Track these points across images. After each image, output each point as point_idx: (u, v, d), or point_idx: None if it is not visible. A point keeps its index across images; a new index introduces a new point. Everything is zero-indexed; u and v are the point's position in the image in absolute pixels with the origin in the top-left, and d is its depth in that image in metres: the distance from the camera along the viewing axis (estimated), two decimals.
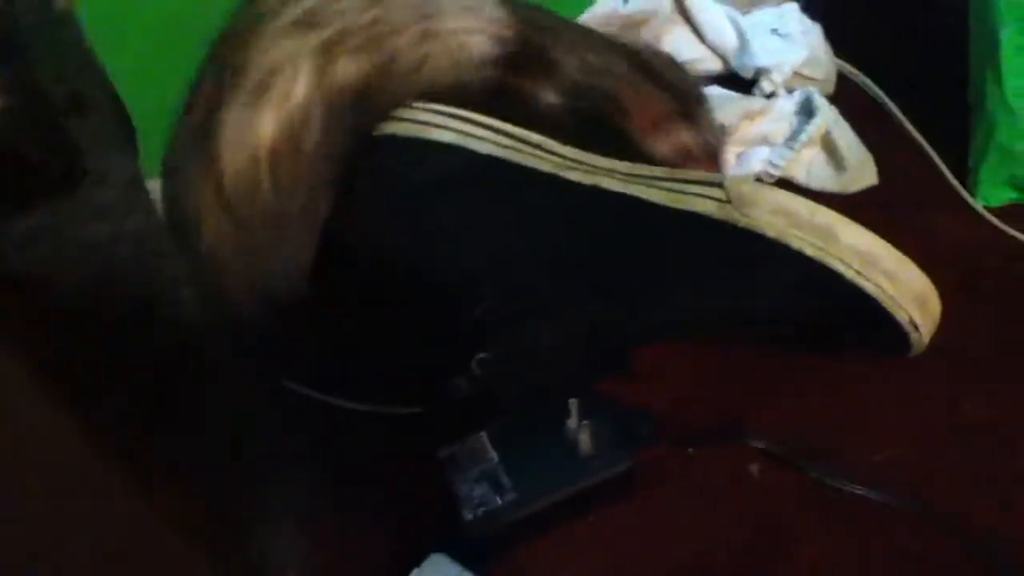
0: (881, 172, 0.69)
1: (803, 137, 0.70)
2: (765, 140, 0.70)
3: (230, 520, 0.52)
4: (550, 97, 0.61)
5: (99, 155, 0.45)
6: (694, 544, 0.53)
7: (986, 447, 0.56)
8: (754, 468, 0.56)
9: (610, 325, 0.56)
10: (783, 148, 0.70)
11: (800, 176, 0.70)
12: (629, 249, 0.55)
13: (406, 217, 0.57)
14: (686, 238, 0.55)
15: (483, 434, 0.54)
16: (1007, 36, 0.60)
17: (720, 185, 0.54)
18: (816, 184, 0.69)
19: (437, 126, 0.57)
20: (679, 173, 0.56)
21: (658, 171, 0.56)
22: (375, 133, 0.57)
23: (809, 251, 0.53)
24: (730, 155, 0.70)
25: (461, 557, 0.53)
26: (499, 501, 0.52)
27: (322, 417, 0.59)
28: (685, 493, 0.56)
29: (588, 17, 0.79)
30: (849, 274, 0.52)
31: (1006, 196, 0.66)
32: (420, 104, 0.57)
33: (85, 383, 0.44)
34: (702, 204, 0.54)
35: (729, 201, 0.54)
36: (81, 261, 0.43)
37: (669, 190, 0.55)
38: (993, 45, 0.61)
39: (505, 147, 0.56)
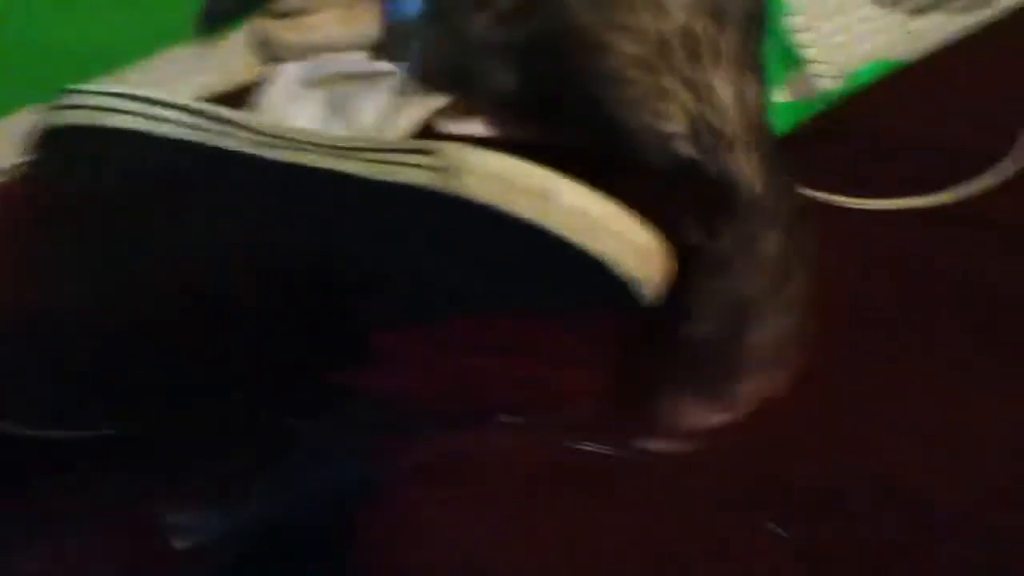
0: None
1: None
2: None
3: None
4: None
5: None
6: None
7: None
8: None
9: (333, 313, 0.53)
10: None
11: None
12: (343, 231, 0.51)
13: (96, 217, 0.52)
14: (400, 212, 0.51)
15: None
16: None
17: (433, 152, 0.51)
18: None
19: (115, 111, 0.51)
20: (387, 142, 0.53)
21: (362, 141, 0.52)
22: (45, 125, 0.51)
23: (526, 215, 0.50)
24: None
25: None
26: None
27: None
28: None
29: None
30: (568, 235, 0.50)
31: None
32: (91, 86, 0.51)
33: None
34: (415, 174, 0.51)
35: (442, 169, 0.50)
36: None
37: (374, 161, 0.51)
38: None
39: (195, 128, 0.51)
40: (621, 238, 0.51)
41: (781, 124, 0.64)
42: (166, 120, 0.51)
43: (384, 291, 0.53)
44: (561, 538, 0.52)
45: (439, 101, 0.64)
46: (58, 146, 0.53)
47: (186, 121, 0.51)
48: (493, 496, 0.53)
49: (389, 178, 0.50)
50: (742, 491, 0.53)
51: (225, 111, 0.52)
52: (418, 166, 0.51)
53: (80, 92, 0.52)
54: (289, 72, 0.66)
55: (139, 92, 0.51)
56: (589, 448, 0.54)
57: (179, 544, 0.48)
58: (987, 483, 0.53)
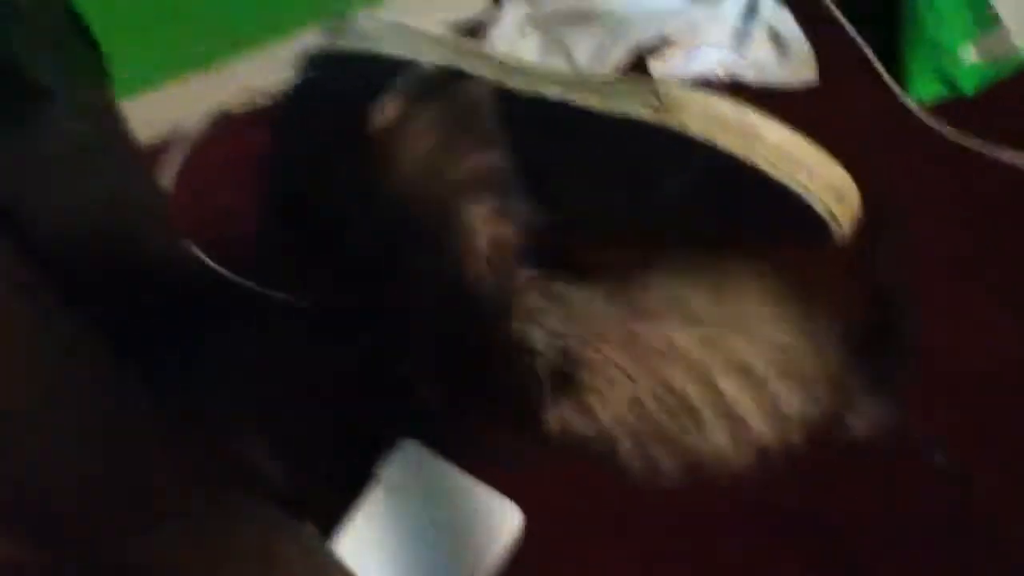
0: (820, 70, 0.72)
1: (750, 39, 0.73)
2: (713, 43, 0.72)
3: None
4: None
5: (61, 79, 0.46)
6: None
7: None
8: None
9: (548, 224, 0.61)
10: (730, 51, 0.73)
11: (748, 74, 0.73)
12: (569, 153, 0.59)
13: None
14: (622, 141, 0.58)
15: None
16: None
17: (654, 91, 0.58)
18: (762, 78, 0.72)
19: (390, 39, 0.60)
20: (613, 78, 0.60)
21: (596, 77, 0.60)
22: (325, 47, 0.60)
23: (735, 150, 0.57)
24: (679, 57, 0.73)
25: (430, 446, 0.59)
26: None
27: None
28: None
29: None
30: (773, 171, 0.56)
31: (935, 89, 0.69)
32: (368, 16, 0.60)
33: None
34: (636, 109, 0.58)
35: (662, 105, 0.57)
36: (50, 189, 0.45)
37: (606, 94, 0.58)
38: None
39: (453, 57, 0.60)
40: (819, 176, 0.57)
41: (970, 85, 0.68)
42: (430, 50, 0.60)
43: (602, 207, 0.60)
44: None
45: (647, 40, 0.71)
46: (332, 67, 0.62)
47: (445, 53, 0.60)
48: None
49: (616, 110, 0.58)
50: None
51: (475, 44, 0.60)
52: (644, 103, 0.58)
53: (359, 21, 0.61)
54: (516, 10, 0.74)
55: (409, 26, 0.60)
56: None
57: None
58: None
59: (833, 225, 0.58)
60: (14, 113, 0.42)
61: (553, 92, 0.59)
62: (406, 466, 0.59)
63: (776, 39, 0.73)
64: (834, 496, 0.58)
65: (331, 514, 0.58)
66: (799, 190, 0.56)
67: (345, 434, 0.62)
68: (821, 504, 0.57)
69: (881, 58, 0.72)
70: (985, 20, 0.67)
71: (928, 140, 0.68)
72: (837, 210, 0.58)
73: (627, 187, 0.59)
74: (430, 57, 0.60)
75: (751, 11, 0.74)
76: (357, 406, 0.62)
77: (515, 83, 0.59)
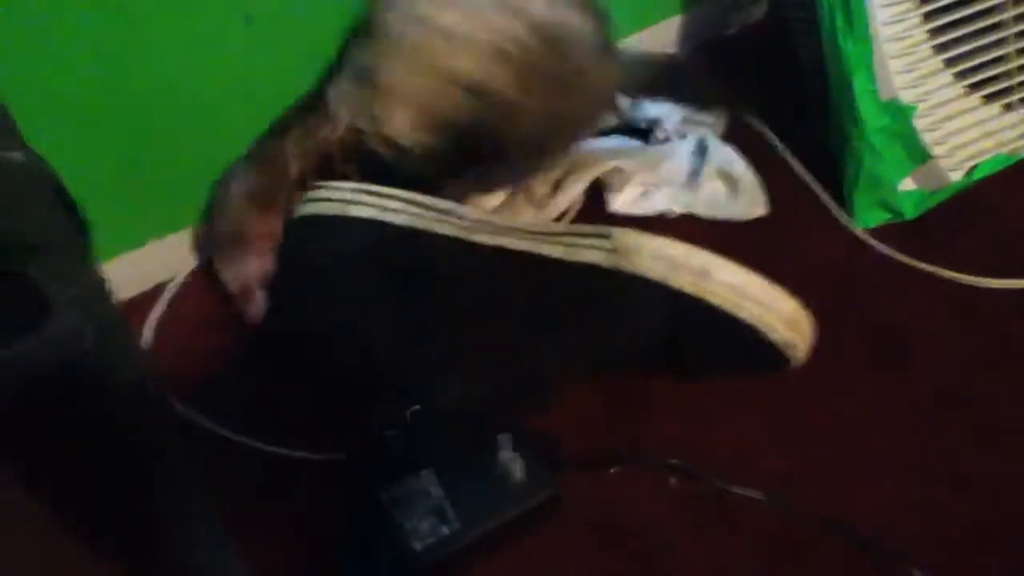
0: (771, 205, 0.77)
1: (701, 177, 0.77)
2: (667, 180, 0.77)
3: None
4: None
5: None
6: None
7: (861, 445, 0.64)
8: (673, 481, 0.63)
9: (512, 374, 0.64)
10: (683, 188, 0.77)
11: (700, 210, 0.77)
12: (530, 301, 0.62)
13: (324, 290, 0.65)
14: (580, 286, 0.62)
15: (423, 473, 0.60)
16: (858, 83, 0.68)
17: (608, 236, 0.62)
18: (714, 213, 0.77)
19: (357, 203, 0.64)
20: (574, 228, 0.64)
21: (556, 227, 0.64)
22: (295, 215, 0.65)
23: (688, 289, 0.60)
24: (634, 195, 0.77)
25: None
26: (446, 531, 0.58)
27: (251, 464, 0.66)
28: (609, 511, 0.63)
29: None
30: (725, 306, 0.60)
31: (879, 217, 0.73)
32: (335, 183, 0.65)
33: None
34: (593, 255, 0.61)
35: (615, 250, 0.61)
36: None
37: (566, 244, 0.62)
38: (848, 90, 0.69)
39: (419, 216, 0.64)
40: (770, 308, 0.60)
41: (909, 211, 0.72)
42: (395, 210, 0.64)
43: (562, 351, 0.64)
44: None
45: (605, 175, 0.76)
46: (307, 232, 0.66)
47: (411, 211, 0.64)
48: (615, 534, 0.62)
49: (576, 259, 0.61)
50: None
51: (443, 202, 0.64)
52: (598, 248, 0.62)
53: (327, 187, 0.65)
54: None
55: (374, 187, 0.64)
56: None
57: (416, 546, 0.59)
58: None
59: (789, 351, 0.61)
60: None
61: (515, 244, 0.62)
62: None
63: (726, 177, 0.77)
64: None
65: None
66: (752, 321, 0.59)
67: None
68: None
69: (828, 191, 0.77)
70: (918, 155, 0.71)
71: (877, 263, 0.72)
72: (791, 337, 0.61)
73: (589, 331, 0.62)
74: (395, 217, 0.64)
75: (701, 151, 0.79)
76: None
77: (478, 238, 0.63)
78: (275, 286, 0.69)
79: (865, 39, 0.67)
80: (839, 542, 0.59)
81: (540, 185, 0.75)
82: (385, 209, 0.64)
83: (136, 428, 0.48)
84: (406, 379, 0.63)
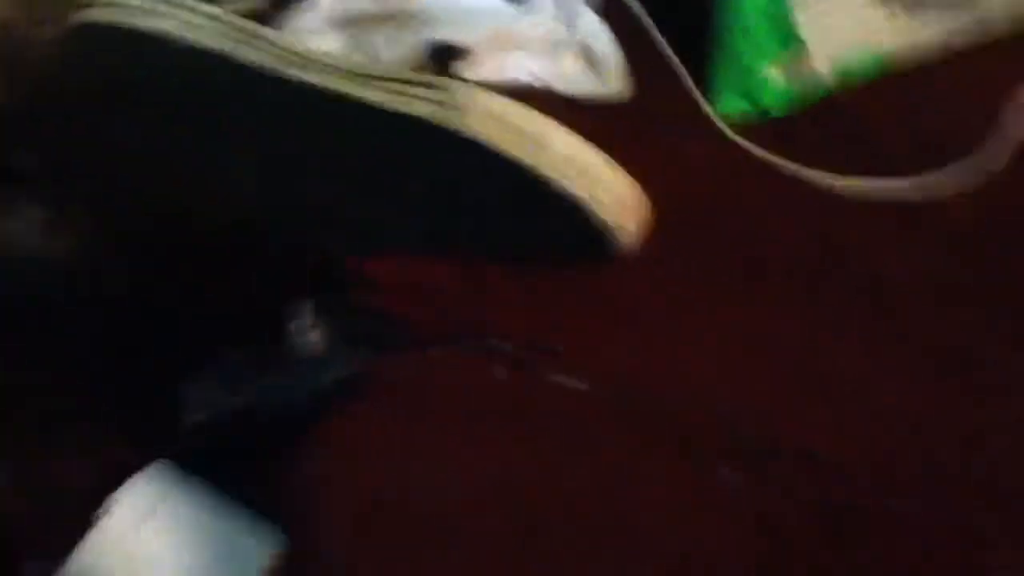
0: (632, 86, 0.71)
1: (562, 50, 0.70)
2: (520, 44, 0.70)
3: None
4: None
5: None
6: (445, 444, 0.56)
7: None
8: (500, 371, 0.58)
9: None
10: (545, 59, 0.71)
11: (559, 85, 0.71)
12: (344, 152, 0.55)
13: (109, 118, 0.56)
14: (402, 142, 0.55)
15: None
16: None
17: (438, 87, 0.55)
18: (573, 90, 0.70)
19: (152, 12, 0.55)
20: (405, 73, 0.56)
21: (382, 70, 0.56)
22: (77, 20, 0.55)
23: (519, 155, 0.54)
24: (488, 62, 0.70)
25: (186, 467, 0.53)
26: (226, 406, 0.53)
27: None
28: (430, 396, 0.58)
29: None
30: (556, 178, 0.54)
31: (741, 107, 0.68)
32: None
33: None
34: (421, 107, 0.55)
35: (443, 104, 0.54)
36: None
37: (391, 91, 0.55)
38: None
39: (223, 36, 0.55)
40: (602, 185, 0.55)
41: (775, 106, 0.68)
42: (198, 27, 0.55)
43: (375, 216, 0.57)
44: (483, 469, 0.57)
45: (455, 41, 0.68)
46: (86, 42, 0.56)
47: (217, 29, 0.55)
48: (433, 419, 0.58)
49: (401, 108, 0.54)
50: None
51: (254, 25, 0.56)
52: (427, 99, 0.55)
53: None
54: (322, 5, 0.70)
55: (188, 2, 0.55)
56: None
57: (187, 418, 0.53)
58: None
59: (616, 234, 0.56)
60: None
61: (331, 83, 0.55)
62: (149, 493, 0.53)
63: (588, 52, 0.71)
64: None
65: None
66: (577, 198, 0.54)
67: None
68: None
69: (694, 75, 0.71)
70: (788, 40, 0.66)
71: (732, 157, 0.67)
72: (623, 220, 0.56)
73: (413, 196, 0.56)
74: (200, 35, 0.55)
75: (568, 23, 0.72)
76: None
77: (294, 72, 0.55)
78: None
79: None
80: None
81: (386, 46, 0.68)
82: (185, 23, 0.55)
83: None
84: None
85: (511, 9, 0.72)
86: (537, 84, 0.70)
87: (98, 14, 0.54)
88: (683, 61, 0.71)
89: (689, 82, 0.70)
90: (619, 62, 0.71)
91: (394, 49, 0.69)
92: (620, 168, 0.55)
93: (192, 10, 0.55)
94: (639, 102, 0.70)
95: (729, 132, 0.67)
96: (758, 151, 0.66)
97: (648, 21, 0.73)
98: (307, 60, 0.56)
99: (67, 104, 0.58)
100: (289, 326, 0.55)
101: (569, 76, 0.70)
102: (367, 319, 0.58)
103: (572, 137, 0.54)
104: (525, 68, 0.70)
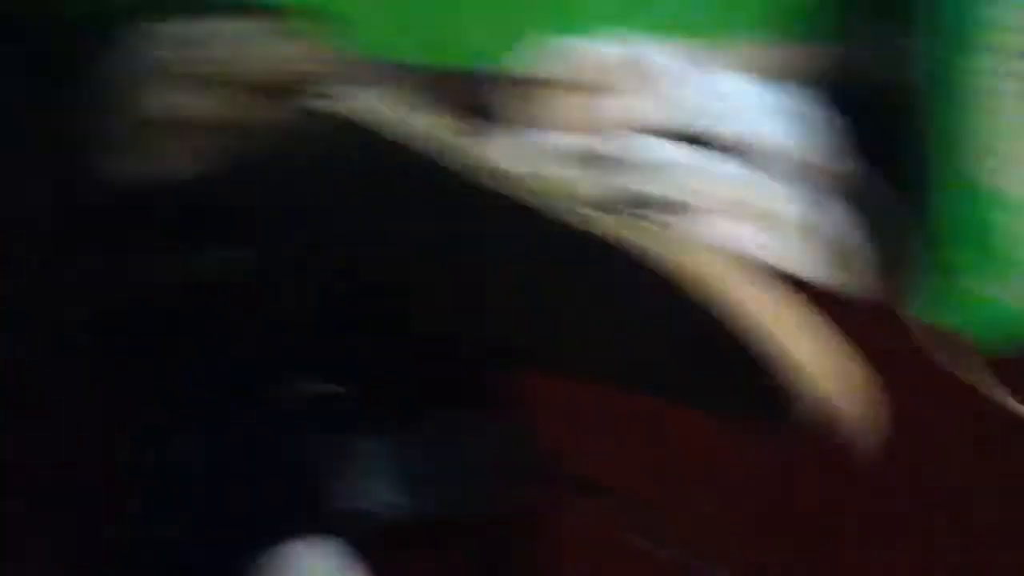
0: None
1: (792, 224, 0.69)
2: (743, 215, 0.69)
3: None
4: None
5: None
6: None
7: None
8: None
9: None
10: (775, 233, 0.69)
11: (788, 265, 0.68)
12: (545, 274, 0.56)
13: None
14: (608, 271, 0.55)
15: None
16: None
17: (656, 228, 0.56)
18: (803, 272, 0.68)
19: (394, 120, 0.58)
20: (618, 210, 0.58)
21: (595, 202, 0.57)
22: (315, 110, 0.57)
23: (725, 307, 0.53)
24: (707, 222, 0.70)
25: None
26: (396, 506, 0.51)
27: None
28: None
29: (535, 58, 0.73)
30: (765, 339, 0.52)
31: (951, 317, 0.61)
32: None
33: None
34: (635, 239, 0.55)
35: (663, 243, 0.54)
36: None
37: (600, 222, 0.56)
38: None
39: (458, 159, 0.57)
40: (800, 348, 0.52)
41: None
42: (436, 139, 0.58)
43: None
44: None
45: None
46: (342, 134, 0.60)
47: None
48: None
49: (611, 239, 0.55)
50: None
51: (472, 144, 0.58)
52: (641, 232, 0.55)
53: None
54: (527, 139, 0.70)
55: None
56: None
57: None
58: None
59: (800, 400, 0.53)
60: None
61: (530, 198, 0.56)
62: None
63: (829, 239, 0.69)
64: None
65: None
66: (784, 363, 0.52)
67: None
68: None
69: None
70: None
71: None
72: (811, 387, 0.53)
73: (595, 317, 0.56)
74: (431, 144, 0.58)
75: (806, 203, 0.71)
76: None
77: (520, 197, 0.57)
78: None
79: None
80: None
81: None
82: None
83: None
84: None
85: (743, 176, 0.71)
86: (760, 256, 0.69)
87: (346, 110, 0.57)
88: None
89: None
90: (863, 254, 0.69)
91: (597, 189, 0.70)
92: (826, 338, 0.53)
93: (432, 124, 0.58)
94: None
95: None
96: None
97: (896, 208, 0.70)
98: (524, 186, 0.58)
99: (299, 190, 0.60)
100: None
101: (801, 259, 0.68)
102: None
103: (789, 306, 0.53)
104: (750, 238, 0.69)
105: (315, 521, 0.52)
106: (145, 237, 0.57)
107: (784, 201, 0.70)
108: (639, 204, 0.66)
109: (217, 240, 0.57)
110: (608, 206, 0.60)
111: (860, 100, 0.73)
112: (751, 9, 0.76)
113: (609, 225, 0.54)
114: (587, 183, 0.67)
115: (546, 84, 0.71)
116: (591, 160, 0.69)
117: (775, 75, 0.75)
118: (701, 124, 0.72)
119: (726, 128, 0.72)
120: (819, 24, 0.76)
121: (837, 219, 0.69)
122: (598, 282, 0.54)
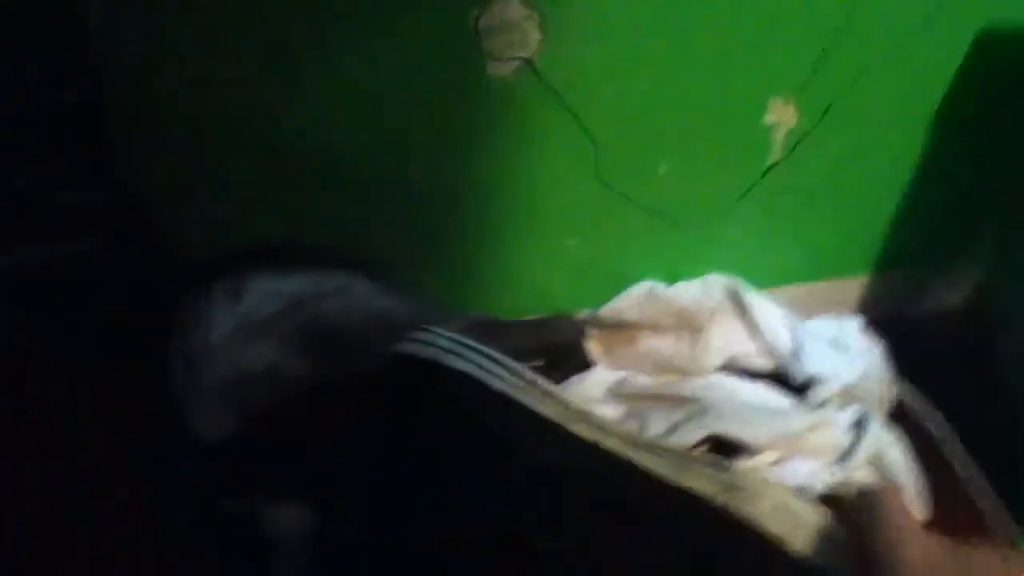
0: (931, 506, 0.64)
1: (856, 458, 0.65)
2: (814, 452, 0.66)
3: None
4: None
5: None
6: None
7: None
8: None
9: None
10: (835, 465, 0.66)
11: (844, 491, 0.65)
12: (615, 508, 0.53)
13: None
14: (678, 511, 0.52)
15: None
16: None
17: (728, 469, 0.52)
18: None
19: (456, 354, 0.57)
20: (686, 448, 0.55)
21: (667, 444, 0.55)
22: (395, 350, 0.58)
23: (801, 547, 0.49)
24: (767, 459, 0.66)
25: None
26: None
27: None
28: None
29: (625, 300, 0.77)
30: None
31: None
32: (437, 329, 0.59)
33: None
34: (705, 484, 0.52)
35: (733, 487, 0.51)
36: None
37: (674, 463, 0.53)
38: None
39: (517, 387, 0.56)
40: None
41: None
42: (494, 374, 0.57)
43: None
44: None
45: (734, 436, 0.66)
46: (406, 370, 0.59)
47: (514, 382, 0.57)
48: None
49: (683, 482, 0.52)
50: None
51: (545, 382, 0.57)
52: (713, 479, 0.52)
53: (434, 332, 0.59)
54: (600, 377, 0.72)
55: (481, 346, 0.58)
56: None
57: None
58: None
59: None
60: None
61: (616, 446, 0.54)
62: None
63: (880, 463, 0.66)
64: None
65: None
66: None
67: None
68: None
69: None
70: None
71: None
72: None
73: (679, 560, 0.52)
74: (494, 381, 0.57)
75: (858, 426, 0.68)
76: None
77: (577, 428, 0.55)
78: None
79: None
80: None
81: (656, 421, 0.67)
82: (484, 369, 0.57)
83: None
84: None
85: (803, 415, 0.69)
86: (822, 488, 0.65)
87: (412, 348, 0.58)
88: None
89: (995, 506, 0.63)
90: (915, 480, 0.65)
91: (664, 427, 0.67)
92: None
93: (490, 358, 0.57)
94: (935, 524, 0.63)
95: None
96: None
97: (951, 439, 0.68)
98: (591, 420, 0.56)
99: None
100: None
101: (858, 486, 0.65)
102: None
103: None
104: (815, 473, 0.65)
105: None
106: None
107: (835, 434, 0.67)
108: (714, 443, 0.63)
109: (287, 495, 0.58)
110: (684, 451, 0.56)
111: (939, 331, 0.72)
112: (853, 253, 0.81)
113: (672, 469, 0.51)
114: (658, 422, 0.65)
115: (634, 325, 0.73)
116: (671, 401, 0.68)
117: (851, 310, 0.76)
118: (786, 363, 0.71)
119: (811, 367, 0.70)
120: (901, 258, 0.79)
121: (884, 442, 0.66)
122: (670, 526, 0.51)
